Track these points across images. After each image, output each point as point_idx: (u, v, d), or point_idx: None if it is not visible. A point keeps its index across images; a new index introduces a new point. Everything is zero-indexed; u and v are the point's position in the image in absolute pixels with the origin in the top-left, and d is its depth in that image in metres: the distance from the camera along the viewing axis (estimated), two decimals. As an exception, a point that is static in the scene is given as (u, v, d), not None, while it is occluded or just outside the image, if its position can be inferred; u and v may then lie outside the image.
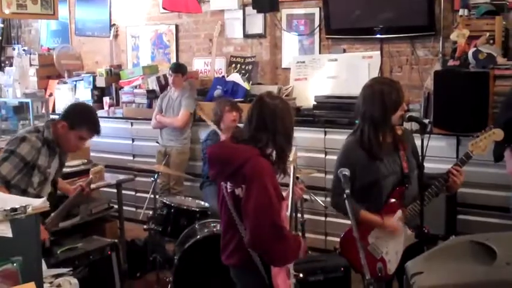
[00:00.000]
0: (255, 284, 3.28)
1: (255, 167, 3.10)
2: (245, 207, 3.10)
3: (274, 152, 3.25)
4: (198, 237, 4.66)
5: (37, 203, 2.53)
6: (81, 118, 4.04)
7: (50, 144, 3.96)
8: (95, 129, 4.09)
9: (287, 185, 3.53)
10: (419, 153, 3.56)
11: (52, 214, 4.18)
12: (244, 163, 3.12)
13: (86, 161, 6.00)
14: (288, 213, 3.41)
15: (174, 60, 7.88)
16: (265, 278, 3.19)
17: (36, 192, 3.93)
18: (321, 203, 5.65)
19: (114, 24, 8.47)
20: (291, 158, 3.67)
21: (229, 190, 3.24)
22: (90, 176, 4.56)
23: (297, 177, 5.12)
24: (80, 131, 4.01)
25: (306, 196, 5.33)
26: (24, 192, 3.85)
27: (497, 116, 4.61)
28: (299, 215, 5.49)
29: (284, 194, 3.38)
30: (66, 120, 3.97)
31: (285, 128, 3.24)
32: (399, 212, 3.65)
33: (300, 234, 3.58)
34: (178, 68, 6.81)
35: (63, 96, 8.21)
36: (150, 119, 6.92)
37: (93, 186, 4.86)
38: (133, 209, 7.27)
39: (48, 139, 3.95)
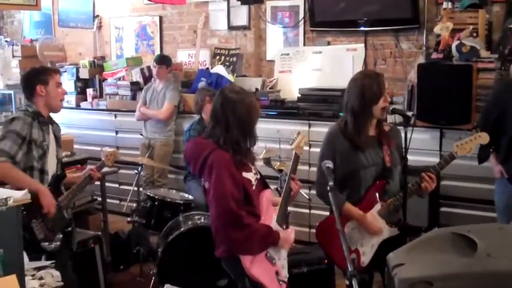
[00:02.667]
0: (238, 273, 3.31)
1: (213, 159, 3.23)
2: (208, 197, 3.27)
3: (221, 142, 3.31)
4: (182, 229, 4.65)
5: (18, 195, 2.51)
6: (41, 71, 4.16)
7: (39, 117, 4.01)
8: (54, 70, 4.36)
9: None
10: (404, 146, 3.57)
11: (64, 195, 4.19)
12: (206, 157, 3.26)
13: (69, 153, 5.96)
14: (277, 207, 3.43)
15: (158, 52, 7.85)
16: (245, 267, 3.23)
17: (40, 166, 3.97)
18: (305, 195, 5.65)
19: (97, 16, 8.42)
20: (293, 146, 3.64)
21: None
22: (102, 159, 4.57)
23: (281, 170, 5.14)
24: (52, 78, 4.11)
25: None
26: (31, 169, 3.91)
27: (485, 111, 4.57)
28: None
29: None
30: (36, 84, 4.04)
31: (238, 120, 3.29)
32: (378, 205, 3.67)
33: (290, 228, 3.56)
34: (163, 60, 6.78)
35: (46, 87, 8.13)
36: (134, 111, 6.89)
37: (106, 169, 5.02)
38: (117, 202, 7.25)
39: (36, 112, 4.01)
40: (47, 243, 3.91)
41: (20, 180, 3.81)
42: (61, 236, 4.04)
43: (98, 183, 5.82)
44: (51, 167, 4.10)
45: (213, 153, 3.24)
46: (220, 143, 3.27)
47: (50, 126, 4.16)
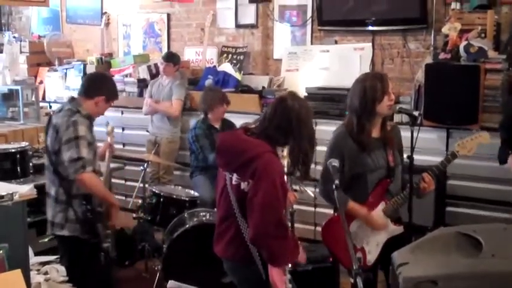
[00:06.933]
0: (251, 279, 3.24)
1: (267, 163, 3.06)
2: (251, 202, 3.05)
3: (289, 153, 3.23)
4: (187, 226, 4.67)
5: (24, 190, 2.52)
6: (113, 88, 4.28)
7: (90, 119, 4.08)
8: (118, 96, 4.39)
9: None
10: (410, 146, 3.58)
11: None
12: (256, 158, 3.07)
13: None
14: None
15: (165, 49, 7.85)
16: (262, 273, 3.16)
17: (93, 167, 3.99)
18: (311, 193, 5.64)
19: (105, 12, 8.43)
20: (285, 154, 3.59)
21: (234, 182, 3.18)
22: (109, 138, 4.64)
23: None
24: (112, 101, 4.23)
25: (295, 187, 5.33)
26: None
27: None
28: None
29: None
30: (102, 94, 4.10)
31: (308, 132, 3.20)
32: (382, 204, 3.68)
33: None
34: (170, 58, 6.77)
35: (54, 84, 8.17)
36: (141, 108, 6.90)
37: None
38: (123, 198, 7.24)
39: (88, 115, 4.05)
40: (105, 244, 4.08)
41: (101, 191, 3.98)
42: (109, 231, 4.15)
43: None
44: (98, 164, 4.18)
45: (265, 157, 3.07)
46: (277, 150, 3.18)
47: None
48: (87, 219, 3.94)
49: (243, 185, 3.13)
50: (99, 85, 4.16)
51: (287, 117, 3.16)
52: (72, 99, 4.14)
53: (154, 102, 6.71)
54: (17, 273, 2.33)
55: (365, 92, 3.60)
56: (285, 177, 3.31)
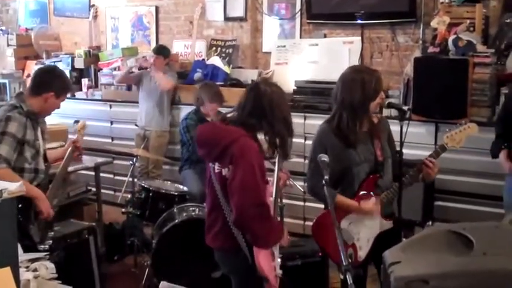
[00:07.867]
0: (239, 266, 3.27)
1: (242, 146, 3.11)
2: (231, 185, 3.11)
3: (266, 137, 3.27)
4: (176, 221, 4.65)
5: (13, 187, 2.49)
6: (63, 83, 4.11)
7: (31, 117, 3.94)
8: (71, 89, 4.37)
9: (271, 170, 3.51)
10: (399, 140, 3.56)
11: (50, 185, 4.16)
12: (231, 143, 3.12)
13: (63, 143, 5.93)
14: (273, 199, 3.39)
15: (153, 42, 7.83)
16: (248, 259, 3.19)
17: (33, 166, 3.94)
18: (300, 188, 5.64)
19: (93, 5, 8.37)
20: None
21: (216, 171, 3.25)
22: (77, 135, 4.53)
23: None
24: (65, 96, 4.10)
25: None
26: (21, 171, 3.85)
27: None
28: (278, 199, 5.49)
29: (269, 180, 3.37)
30: (51, 90, 3.97)
31: (282, 115, 3.26)
32: (372, 199, 3.65)
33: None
34: (161, 50, 6.74)
35: (41, 77, 8.10)
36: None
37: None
38: (112, 192, 7.23)
39: (30, 112, 3.92)
40: (42, 246, 3.90)
41: None
42: (52, 233, 4.03)
43: (92, 173, 5.87)
44: (42, 164, 4.07)
45: (240, 141, 3.13)
46: (255, 133, 3.23)
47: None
48: (18, 221, 3.85)
49: (224, 172, 3.20)
50: (47, 81, 4.02)
51: (259, 103, 3.24)
52: (18, 94, 4.06)
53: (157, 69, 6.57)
54: (6, 270, 2.31)
55: (364, 88, 3.54)
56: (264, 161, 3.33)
